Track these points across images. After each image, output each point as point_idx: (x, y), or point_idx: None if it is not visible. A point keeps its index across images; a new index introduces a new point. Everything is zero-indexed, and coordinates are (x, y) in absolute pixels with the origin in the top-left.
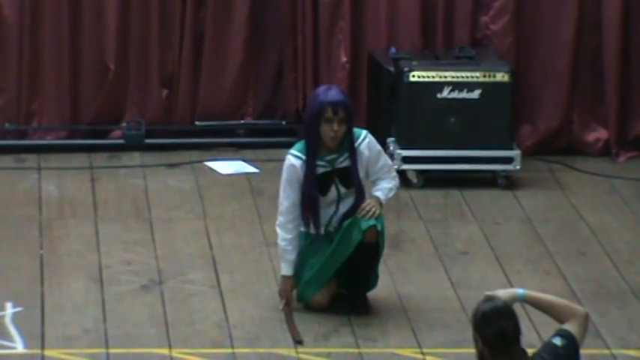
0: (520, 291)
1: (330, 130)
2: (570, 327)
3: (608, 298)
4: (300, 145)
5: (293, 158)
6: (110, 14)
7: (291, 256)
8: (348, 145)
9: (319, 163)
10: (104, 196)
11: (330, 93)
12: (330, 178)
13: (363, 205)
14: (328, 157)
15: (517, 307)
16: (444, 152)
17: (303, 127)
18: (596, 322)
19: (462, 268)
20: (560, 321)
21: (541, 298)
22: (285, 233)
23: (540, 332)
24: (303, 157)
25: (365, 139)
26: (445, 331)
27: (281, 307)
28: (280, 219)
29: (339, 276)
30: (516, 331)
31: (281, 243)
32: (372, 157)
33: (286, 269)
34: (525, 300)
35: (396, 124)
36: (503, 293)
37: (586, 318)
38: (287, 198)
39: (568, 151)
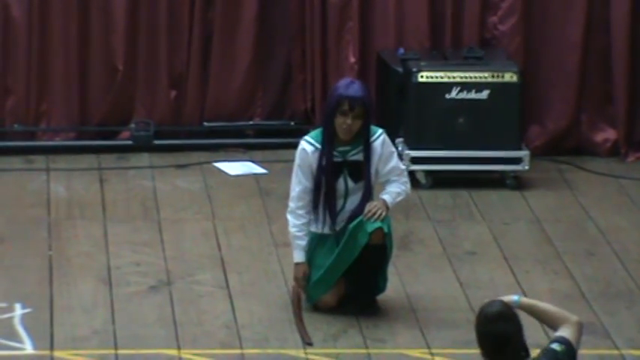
0: (515, 298)
1: (343, 123)
2: (565, 333)
3: (617, 298)
4: (315, 132)
5: (306, 144)
6: (119, 15)
7: (302, 242)
8: (364, 140)
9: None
10: (113, 197)
11: (352, 87)
12: (339, 169)
13: (369, 207)
14: (341, 148)
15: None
16: (453, 153)
17: (323, 117)
18: (605, 323)
19: (471, 269)
20: (555, 328)
21: (536, 306)
22: (295, 219)
23: (548, 331)
24: (317, 144)
25: (380, 137)
26: (454, 331)
27: (292, 296)
28: (291, 205)
29: (348, 277)
30: (514, 336)
31: (292, 229)
32: (384, 157)
33: (298, 256)
34: (520, 307)
35: (404, 125)
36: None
37: (580, 326)
38: (298, 183)
39: (577, 152)
